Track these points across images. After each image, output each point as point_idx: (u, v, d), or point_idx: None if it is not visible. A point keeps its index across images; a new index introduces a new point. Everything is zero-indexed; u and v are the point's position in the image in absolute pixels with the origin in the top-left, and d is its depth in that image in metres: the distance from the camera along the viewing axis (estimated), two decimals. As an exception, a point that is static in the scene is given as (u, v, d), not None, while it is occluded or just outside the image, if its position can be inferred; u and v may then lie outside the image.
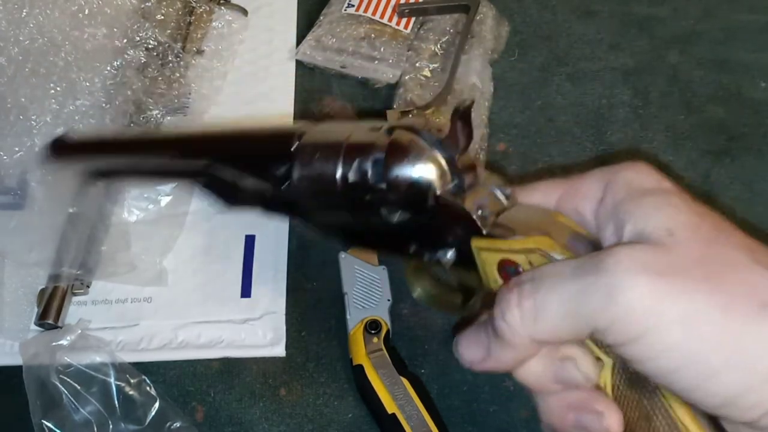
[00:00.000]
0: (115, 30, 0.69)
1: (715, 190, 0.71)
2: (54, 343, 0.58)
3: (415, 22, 0.78)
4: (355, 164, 0.41)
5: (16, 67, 0.65)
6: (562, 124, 0.75)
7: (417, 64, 0.74)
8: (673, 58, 0.80)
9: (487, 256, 0.39)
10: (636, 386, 0.36)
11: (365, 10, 0.77)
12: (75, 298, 0.62)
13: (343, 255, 0.63)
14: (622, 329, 0.32)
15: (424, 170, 0.40)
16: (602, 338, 0.34)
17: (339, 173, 0.42)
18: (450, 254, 0.41)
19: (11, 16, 0.67)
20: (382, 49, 0.76)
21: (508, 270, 0.38)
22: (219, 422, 0.58)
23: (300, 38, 0.78)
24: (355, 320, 0.60)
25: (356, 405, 0.59)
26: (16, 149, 0.64)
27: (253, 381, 0.60)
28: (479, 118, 0.71)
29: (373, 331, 0.59)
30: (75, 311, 0.62)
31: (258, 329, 0.61)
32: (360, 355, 0.58)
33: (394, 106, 0.72)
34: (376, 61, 0.75)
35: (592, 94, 0.77)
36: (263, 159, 0.46)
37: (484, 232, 0.39)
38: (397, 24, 0.77)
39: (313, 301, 0.64)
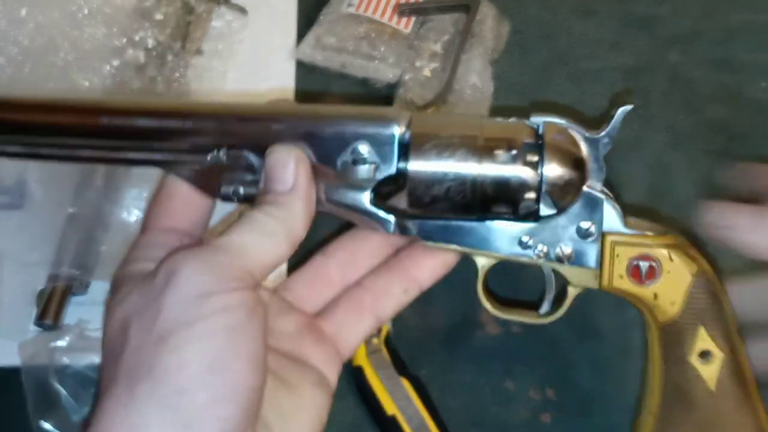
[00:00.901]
0: (114, 30, 0.69)
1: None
2: (53, 344, 0.58)
3: (415, 22, 0.77)
4: (496, 159, 0.40)
5: (16, 67, 0.65)
6: (563, 124, 0.74)
7: (417, 64, 0.74)
8: (673, 57, 0.80)
9: (622, 250, 0.42)
10: (740, 379, 0.42)
11: (365, 10, 0.77)
12: (74, 299, 0.62)
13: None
14: None
15: (579, 165, 0.42)
16: None
17: (476, 168, 0.40)
18: (567, 249, 0.43)
19: (10, 16, 0.66)
20: (382, 49, 0.75)
21: (641, 265, 0.42)
22: (218, 423, 0.58)
23: (300, 38, 0.78)
24: (354, 321, 0.60)
25: (356, 406, 0.59)
26: (15, 149, 0.64)
27: (252, 381, 0.60)
28: (479, 118, 0.71)
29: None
30: (74, 311, 0.61)
31: (258, 330, 0.61)
32: (360, 355, 0.58)
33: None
34: (376, 61, 0.75)
35: (592, 93, 0.77)
36: (341, 143, 0.40)
37: (625, 230, 0.42)
38: (398, 23, 0.77)
39: (312, 302, 0.64)
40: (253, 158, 0.41)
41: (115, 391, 0.34)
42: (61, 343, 0.58)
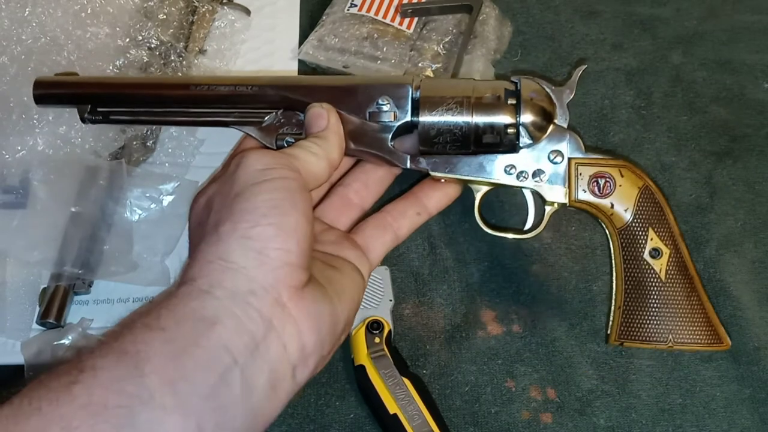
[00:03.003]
0: (117, 29, 0.69)
1: (718, 191, 0.71)
2: (56, 342, 0.58)
3: (417, 22, 0.78)
4: (485, 109, 0.53)
5: (19, 66, 0.65)
6: (565, 124, 0.74)
7: (420, 64, 0.74)
8: (676, 58, 0.80)
9: (584, 170, 0.55)
10: (685, 272, 0.54)
11: (368, 10, 0.77)
12: (77, 298, 0.62)
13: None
14: None
15: (547, 108, 0.55)
16: None
17: (470, 118, 0.53)
18: (542, 172, 0.55)
19: (14, 15, 0.67)
20: (384, 49, 0.76)
21: (599, 181, 0.55)
22: (220, 422, 0.58)
23: (303, 38, 0.78)
24: (356, 320, 0.60)
25: (358, 405, 0.59)
26: (18, 148, 0.64)
27: (254, 381, 0.60)
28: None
29: (375, 332, 0.59)
30: (77, 310, 0.62)
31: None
32: (362, 355, 0.58)
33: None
34: (379, 61, 0.75)
35: (594, 94, 0.77)
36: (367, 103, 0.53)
37: (585, 154, 0.55)
38: (400, 24, 0.77)
39: (314, 301, 0.64)
40: (302, 117, 0.53)
41: (204, 240, 0.44)
42: (64, 341, 0.58)
